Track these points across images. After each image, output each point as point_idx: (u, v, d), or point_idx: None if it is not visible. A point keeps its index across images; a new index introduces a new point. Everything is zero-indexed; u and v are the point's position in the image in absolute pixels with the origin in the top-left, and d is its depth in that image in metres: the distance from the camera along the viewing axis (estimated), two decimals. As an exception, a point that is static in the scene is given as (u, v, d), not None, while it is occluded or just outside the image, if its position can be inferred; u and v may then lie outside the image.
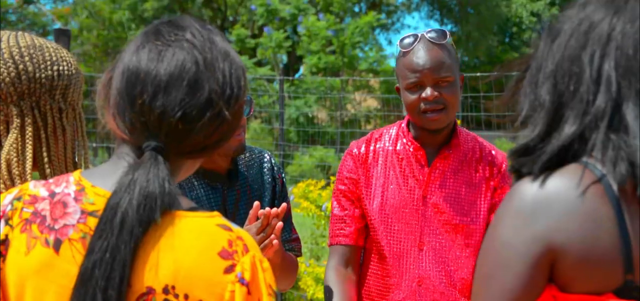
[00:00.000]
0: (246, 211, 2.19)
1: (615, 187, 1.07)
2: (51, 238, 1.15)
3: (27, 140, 1.52)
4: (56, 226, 1.15)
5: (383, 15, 21.24)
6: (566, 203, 1.08)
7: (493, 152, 2.32)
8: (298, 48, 17.05)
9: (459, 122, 5.81)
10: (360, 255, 2.33)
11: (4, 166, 1.50)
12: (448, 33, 2.23)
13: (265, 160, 2.30)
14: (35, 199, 1.18)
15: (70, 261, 1.14)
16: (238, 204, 2.20)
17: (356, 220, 2.29)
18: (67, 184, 1.19)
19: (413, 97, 2.18)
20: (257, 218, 1.99)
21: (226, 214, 2.15)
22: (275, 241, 1.96)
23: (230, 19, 22.07)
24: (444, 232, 2.22)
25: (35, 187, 1.20)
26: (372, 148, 2.32)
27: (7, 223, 1.18)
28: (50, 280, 1.14)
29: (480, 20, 22.64)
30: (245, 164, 2.26)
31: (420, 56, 2.17)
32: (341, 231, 2.30)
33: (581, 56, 1.13)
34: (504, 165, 2.31)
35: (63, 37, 3.85)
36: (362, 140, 2.36)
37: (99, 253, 1.09)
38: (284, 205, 2.00)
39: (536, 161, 1.13)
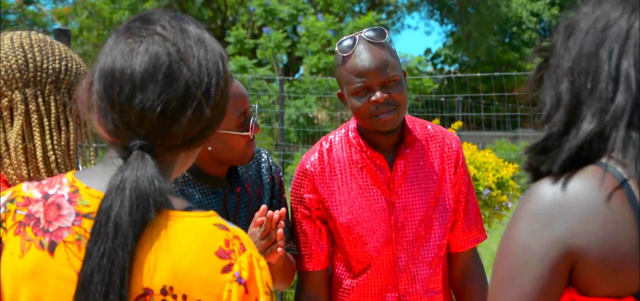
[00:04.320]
0: (246, 213, 2.19)
1: (636, 191, 1.06)
2: (46, 241, 1.14)
3: (34, 127, 1.54)
4: (51, 229, 1.14)
5: (383, 15, 21.24)
6: (586, 206, 1.07)
7: (447, 139, 2.26)
8: (297, 48, 17.05)
9: (459, 123, 5.77)
10: (328, 277, 2.26)
11: (13, 154, 1.52)
12: (386, 31, 2.15)
13: (263, 159, 2.29)
14: (28, 201, 1.18)
15: (66, 264, 1.13)
16: (238, 207, 2.20)
17: (323, 242, 2.22)
18: (61, 185, 1.18)
19: (361, 102, 2.08)
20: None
21: (227, 217, 2.15)
22: (279, 249, 1.96)
23: (230, 19, 22.07)
24: (418, 234, 2.17)
25: (28, 189, 1.19)
26: (326, 160, 2.21)
27: (0, 225, 1.17)
28: (45, 282, 1.13)
29: (480, 20, 22.65)
30: (243, 165, 2.25)
31: (364, 58, 2.07)
32: (308, 256, 2.22)
33: (599, 53, 1.12)
34: (460, 150, 2.25)
35: (63, 37, 3.84)
36: (313, 151, 2.24)
37: (96, 259, 1.09)
38: (283, 210, 2.00)
39: (555, 159, 1.11)
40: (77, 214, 1.15)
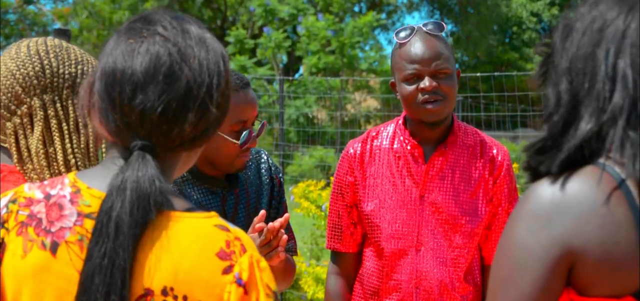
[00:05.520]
0: (245, 214, 2.19)
1: (634, 191, 1.06)
2: (48, 241, 1.14)
3: (54, 132, 1.57)
4: (52, 229, 1.15)
5: (383, 15, 21.23)
6: (585, 206, 1.07)
7: (495, 150, 2.27)
8: (297, 48, 17.05)
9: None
10: (356, 259, 2.34)
11: (35, 159, 1.55)
12: (445, 25, 2.22)
13: (263, 160, 2.29)
14: (30, 201, 1.18)
15: (68, 264, 1.13)
16: (237, 207, 2.19)
17: (352, 227, 2.30)
18: (63, 186, 1.19)
19: (411, 88, 2.15)
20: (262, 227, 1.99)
21: (225, 218, 2.13)
22: (282, 255, 1.98)
23: (230, 19, 22.06)
24: (442, 232, 2.20)
25: (30, 189, 1.20)
26: (368, 147, 2.29)
27: (2, 226, 1.17)
28: (47, 283, 1.13)
29: (480, 20, 22.61)
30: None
31: (418, 47, 2.15)
32: (338, 237, 2.32)
33: (596, 53, 1.12)
34: (505, 163, 2.26)
35: (63, 37, 3.84)
36: (359, 138, 2.33)
37: (97, 259, 1.09)
38: (286, 215, 2.01)
39: (554, 159, 1.11)
40: (79, 214, 1.15)
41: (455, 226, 2.20)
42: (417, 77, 2.15)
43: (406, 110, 2.22)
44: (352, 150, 2.31)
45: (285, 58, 18.55)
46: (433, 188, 2.21)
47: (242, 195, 2.21)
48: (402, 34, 2.21)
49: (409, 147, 2.23)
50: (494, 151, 2.27)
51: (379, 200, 2.23)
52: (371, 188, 2.25)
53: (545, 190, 1.10)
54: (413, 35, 2.18)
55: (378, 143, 2.29)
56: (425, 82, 2.12)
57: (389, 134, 2.30)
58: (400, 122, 2.29)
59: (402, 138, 2.26)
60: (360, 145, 2.31)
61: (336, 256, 2.35)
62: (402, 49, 2.19)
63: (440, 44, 2.17)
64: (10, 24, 19.44)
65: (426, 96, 2.13)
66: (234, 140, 2.07)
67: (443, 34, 2.20)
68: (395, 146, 2.26)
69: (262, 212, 1.99)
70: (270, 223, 1.96)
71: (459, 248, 2.20)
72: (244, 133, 2.08)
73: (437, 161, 2.22)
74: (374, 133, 2.33)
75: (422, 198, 2.21)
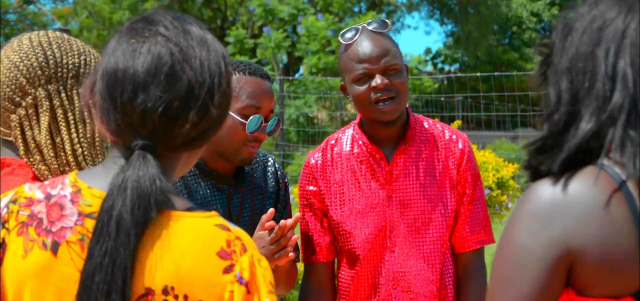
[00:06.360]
0: (250, 213, 2.19)
1: (634, 192, 1.07)
2: (49, 241, 1.15)
3: (60, 122, 1.58)
4: (53, 229, 1.15)
5: (383, 15, 21.23)
6: (584, 207, 1.07)
7: (453, 136, 2.26)
8: (297, 48, 17.06)
9: (459, 122, 5.76)
10: (330, 268, 2.32)
11: (44, 151, 1.56)
12: (389, 23, 2.20)
13: (269, 164, 2.28)
14: (31, 202, 1.18)
15: (69, 264, 1.14)
16: (242, 206, 2.19)
17: (325, 234, 2.27)
18: (63, 186, 1.19)
19: (362, 88, 2.12)
20: (272, 228, 1.98)
21: (230, 216, 2.14)
22: (291, 254, 1.97)
23: (230, 19, 22.07)
24: (414, 229, 2.19)
25: (31, 190, 1.20)
26: (329, 155, 2.27)
27: (3, 226, 1.17)
28: (48, 282, 1.14)
29: (480, 20, 22.62)
30: (249, 167, 2.25)
31: (366, 46, 2.13)
32: (311, 248, 2.29)
33: (595, 53, 1.12)
34: (466, 150, 2.24)
35: (63, 37, 3.83)
36: (319, 148, 2.31)
37: (98, 258, 1.09)
38: (297, 215, 2.00)
39: (554, 159, 1.12)
40: (80, 214, 1.15)
41: (427, 221, 2.19)
42: (367, 76, 2.12)
43: (359, 111, 2.20)
44: (313, 161, 2.28)
45: (285, 58, 18.54)
46: (399, 187, 2.20)
47: (247, 195, 2.20)
48: (348, 35, 2.18)
49: (368, 151, 2.22)
50: (454, 139, 2.26)
51: (347, 208, 2.21)
52: (337, 196, 2.23)
53: (545, 190, 1.11)
54: (359, 35, 2.15)
55: (338, 150, 2.27)
56: (377, 80, 2.10)
57: (348, 139, 2.27)
58: (356, 125, 2.27)
59: (360, 142, 2.23)
60: (320, 154, 2.28)
61: (309, 267, 2.33)
62: (350, 49, 2.16)
63: (386, 41, 2.15)
64: (10, 24, 19.44)
65: (379, 94, 2.11)
66: (242, 120, 2.04)
67: (387, 31, 2.18)
68: (355, 150, 2.24)
69: (271, 210, 1.98)
70: (282, 221, 1.96)
71: (433, 242, 2.20)
72: (254, 117, 2.05)
73: (400, 159, 2.20)
74: (332, 141, 2.30)
75: (390, 199, 2.19)
